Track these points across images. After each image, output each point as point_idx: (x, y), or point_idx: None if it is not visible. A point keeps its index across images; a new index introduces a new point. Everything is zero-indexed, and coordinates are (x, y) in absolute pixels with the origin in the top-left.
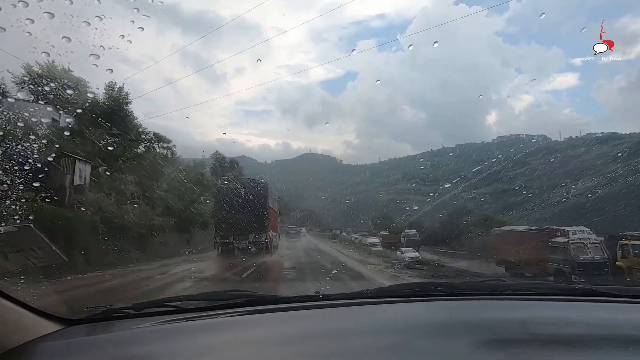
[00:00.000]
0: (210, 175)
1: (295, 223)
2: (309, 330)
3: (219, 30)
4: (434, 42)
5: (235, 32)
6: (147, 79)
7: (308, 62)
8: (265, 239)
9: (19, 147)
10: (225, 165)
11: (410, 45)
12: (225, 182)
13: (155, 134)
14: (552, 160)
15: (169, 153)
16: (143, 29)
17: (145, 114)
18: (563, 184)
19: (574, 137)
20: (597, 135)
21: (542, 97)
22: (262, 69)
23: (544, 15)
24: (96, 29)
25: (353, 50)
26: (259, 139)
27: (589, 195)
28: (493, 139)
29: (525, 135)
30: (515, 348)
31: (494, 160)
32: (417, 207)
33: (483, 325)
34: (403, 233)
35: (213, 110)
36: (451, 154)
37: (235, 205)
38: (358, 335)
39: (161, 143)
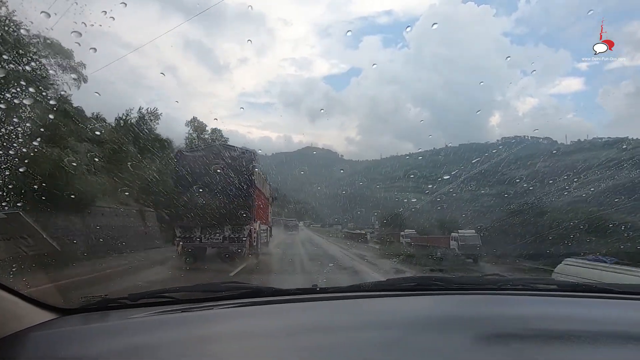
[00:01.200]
0: (186, 147)
1: (294, 216)
2: (305, 323)
3: (223, 19)
4: (440, 39)
5: (239, 21)
6: (149, 66)
7: (313, 56)
8: (249, 233)
9: (2, 130)
10: (204, 137)
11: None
12: (192, 148)
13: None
14: (558, 161)
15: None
16: (126, 4)
17: (147, 102)
18: (575, 180)
19: (582, 140)
20: (605, 139)
21: (547, 100)
22: (266, 60)
23: None
24: (76, 3)
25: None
26: (261, 131)
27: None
28: (497, 140)
29: (531, 137)
30: (514, 343)
31: (497, 157)
32: (431, 200)
33: (482, 320)
34: (455, 234)
35: (216, 101)
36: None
37: (206, 183)
38: (355, 329)
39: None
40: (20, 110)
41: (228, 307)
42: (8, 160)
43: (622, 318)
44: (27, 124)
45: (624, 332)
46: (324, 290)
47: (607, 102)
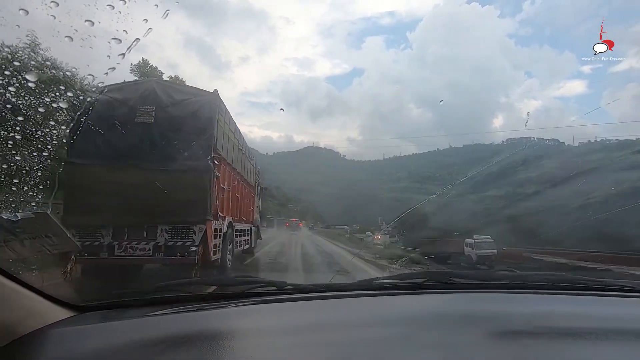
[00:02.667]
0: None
1: (297, 217)
2: (317, 320)
3: (224, 17)
4: (444, 40)
5: (240, 19)
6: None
7: (315, 56)
8: (204, 238)
9: (39, 132)
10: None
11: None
12: (106, 88)
13: None
14: (568, 163)
15: None
16: (168, 13)
17: None
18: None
19: (592, 141)
20: (614, 141)
21: (551, 102)
22: (268, 60)
23: None
24: (120, 12)
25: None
26: (262, 131)
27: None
28: (503, 141)
29: (537, 138)
30: (525, 340)
31: (500, 158)
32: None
33: (492, 318)
34: None
35: None
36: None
37: (126, 148)
38: (366, 326)
39: None
40: (57, 114)
41: (243, 305)
42: (41, 161)
43: (635, 316)
44: (63, 127)
45: (637, 329)
46: (336, 288)
47: (611, 105)
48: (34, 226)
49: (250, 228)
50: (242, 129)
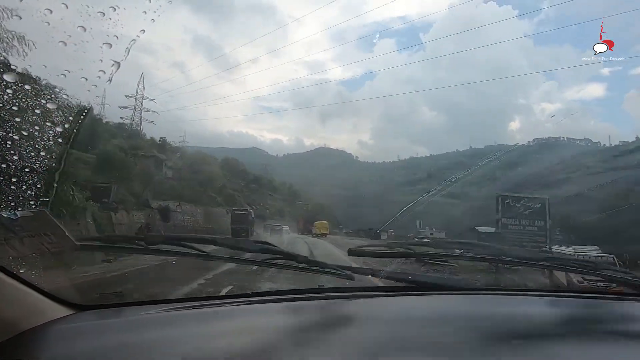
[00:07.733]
0: None
1: (309, 219)
2: (309, 321)
3: (232, 16)
4: (459, 41)
5: (250, 19)
6: (157, 64)
7: (327, 61)
8: None
9: (37, 133)
10: None
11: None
12: None
13: None
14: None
15: None
16: (154, 20)
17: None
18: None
19: (630, 141)
20: None
21: (571, 105)
22: (279, 63)
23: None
24: (110, 19)
25: None
26: (272, 135)
27: None
28: (529, 141)
29: (567, 138)
30: (516, 341)
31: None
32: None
33: (484, 319)
34: None
35: (229, 104)
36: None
37: None
38: (357, 327)
39: None
40: (53, 115)
41: (236, 305)
42: (38, 160)
43: (620, 316)
44: (58, 128)
45: (622, 330)
46: (328, 290)
47: (634, 107)
48: (33, 224)
49: None
50: (251, 131)
